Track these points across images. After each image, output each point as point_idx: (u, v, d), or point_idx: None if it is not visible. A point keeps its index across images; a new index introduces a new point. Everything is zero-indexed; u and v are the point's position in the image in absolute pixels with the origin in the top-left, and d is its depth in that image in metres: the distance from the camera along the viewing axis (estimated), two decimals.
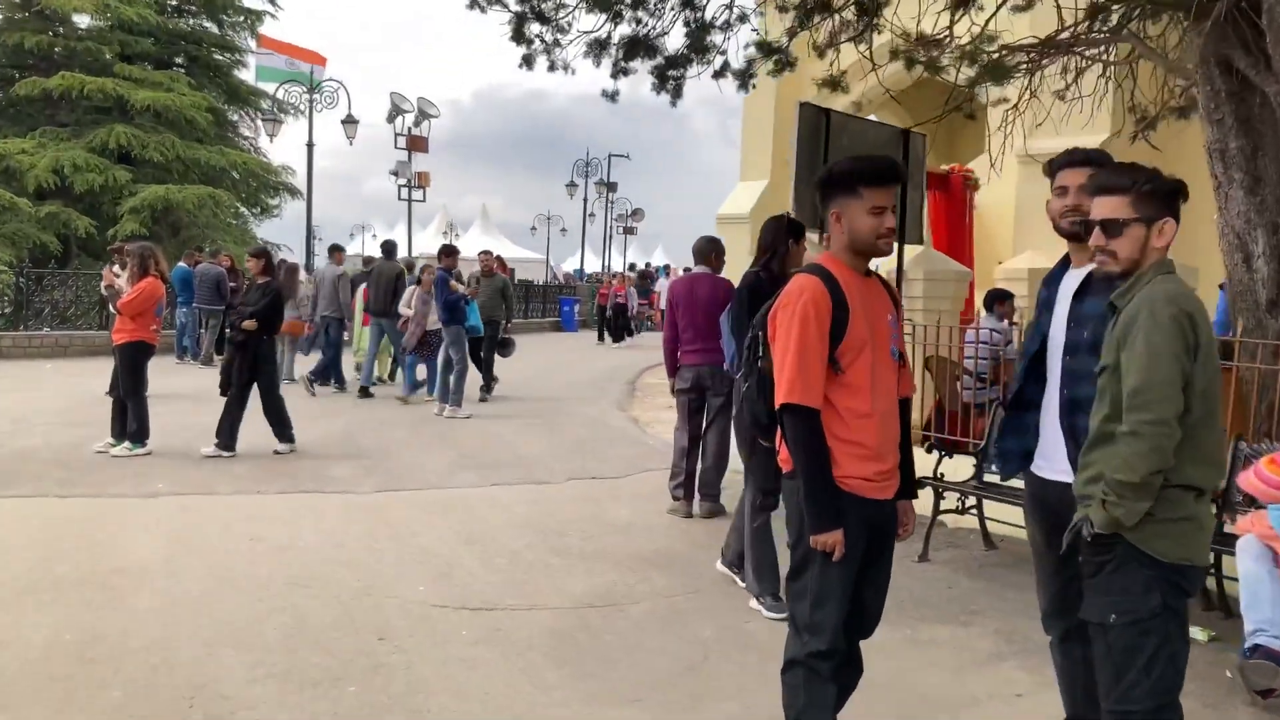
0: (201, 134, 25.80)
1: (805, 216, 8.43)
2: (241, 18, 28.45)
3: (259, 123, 28.25)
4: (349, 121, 21.95)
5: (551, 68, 7.65)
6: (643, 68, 8.13)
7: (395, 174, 21.50)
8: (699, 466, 6.78)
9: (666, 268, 29.83)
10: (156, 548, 5.58)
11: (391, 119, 20.70)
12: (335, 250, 14.05)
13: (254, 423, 8.63)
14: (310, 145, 21.62)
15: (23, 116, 25.06)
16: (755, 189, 18.70)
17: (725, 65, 8.61)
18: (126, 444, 8.13)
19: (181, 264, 15.74)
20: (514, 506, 6.88)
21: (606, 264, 37.51)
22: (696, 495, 6.77)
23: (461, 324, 11.21)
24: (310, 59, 24.04)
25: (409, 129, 21.02)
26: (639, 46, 7.42)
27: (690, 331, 6.62)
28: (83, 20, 25.80)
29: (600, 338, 23.26)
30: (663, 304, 22.55)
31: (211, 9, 28.01)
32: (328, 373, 12.60)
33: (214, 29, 28.59)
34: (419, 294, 11.73)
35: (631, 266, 31.74)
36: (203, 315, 15.43)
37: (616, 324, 22.98)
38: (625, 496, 7.30)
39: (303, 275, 17.77)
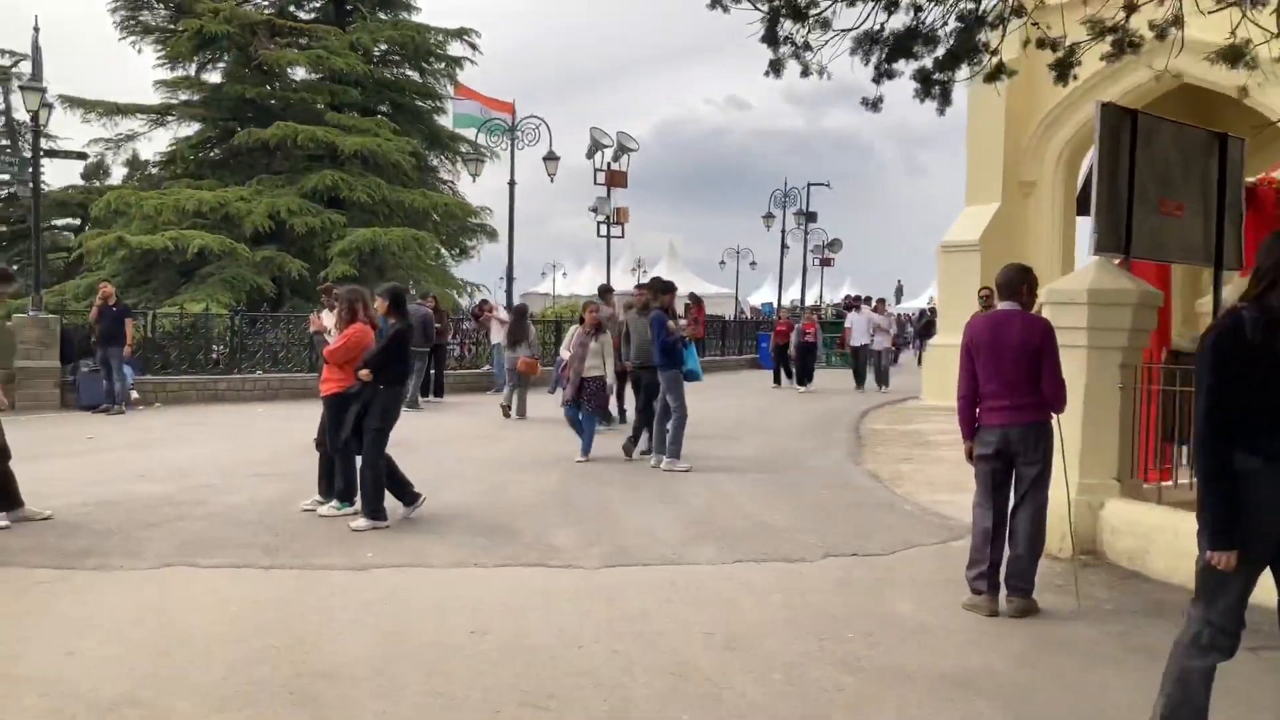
0: (405, 178, 26.33)
1: (1107, 235, 7.01)
2: (443, 65, 29.07)
3: (458, 165, 28.66)
4: (550, 158, 21.66)
5: (805, 73, 6.55)
6: (907, 69, 6.97)
7: (594, 210, 20.97)
8: (1005, 553, 5.42)
9: (859, 300, 28.01)
10: (367, 644, 4.73)
11: (591, 154, 20.23)
12: (605, 292, 13.61)
13: (465, 478, 7.87)
14: (512, 184, 21.45)
15: (241, 166, 26.27)
16: (984, 214, 17.03)
17: (1000, 65, 7.35)
18: (334, 503, 7.50)
19: None
20: (770, 593, 5.72)
21: (802, 296, 36.14)
22: (1002, 588, 5.41)
23: (678, 367, 10.22)
24: (501, 108, 23.97)
25: (608, 164, 20.45)
26: (913, 39, 6.23)
27: (995, 383, 5.29)
28: (297, 73, 26.90)
29: (776, 379, 20.60)
30: (855, 340, 20.38)
31: (415, 58, 28.76)
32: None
33: (415, 77, 29.36)
34: (578, 334, 10.65)
35: (854, 299, 29.94)
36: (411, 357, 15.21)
37: (804, 365, 20.02)
38: (902, 583, 6.00)
39: (501, 313, 17.48)
